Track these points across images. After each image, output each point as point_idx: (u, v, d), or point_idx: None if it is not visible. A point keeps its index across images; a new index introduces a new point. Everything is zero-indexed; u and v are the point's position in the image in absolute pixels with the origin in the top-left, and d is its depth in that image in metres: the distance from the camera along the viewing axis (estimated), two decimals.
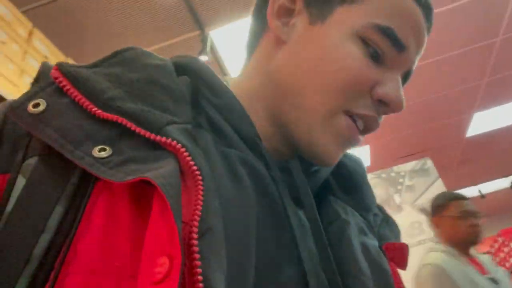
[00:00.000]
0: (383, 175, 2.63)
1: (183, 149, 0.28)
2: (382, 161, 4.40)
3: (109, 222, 0.27)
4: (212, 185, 0.28)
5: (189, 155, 0.28)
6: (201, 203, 0.25)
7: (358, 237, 0.39)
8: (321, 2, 0.38)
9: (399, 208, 2.49)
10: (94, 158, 0.27)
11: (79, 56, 2.17)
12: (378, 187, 2.59)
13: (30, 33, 1.61)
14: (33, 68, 1.58)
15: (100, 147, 0.28)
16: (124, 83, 0.32)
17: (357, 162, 0.47)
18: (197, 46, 2.50)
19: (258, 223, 0.31)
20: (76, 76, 0.31)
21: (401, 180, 2.58)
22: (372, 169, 4.53)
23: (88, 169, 0.27)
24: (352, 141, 0.38)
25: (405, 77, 0.40)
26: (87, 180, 0.28)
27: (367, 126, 0.38)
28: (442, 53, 2.66)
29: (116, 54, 0.35)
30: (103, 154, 0.28)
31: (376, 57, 0.36)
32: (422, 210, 2.45)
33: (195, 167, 0.27)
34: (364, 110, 0.37)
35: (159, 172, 0.26)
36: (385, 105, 0.37)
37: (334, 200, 0.41)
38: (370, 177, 2.63)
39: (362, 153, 4.18)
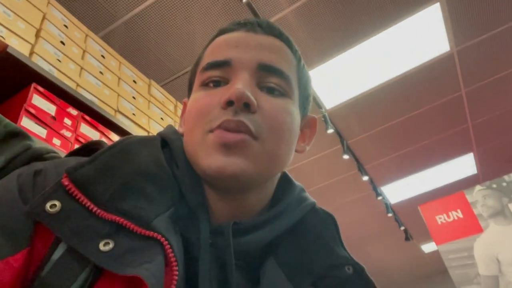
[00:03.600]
0: (494, 186, 2.62)
1: (166, 242, 0.36)
2: (490, 167, 4.19)
3: None
4: (181, 270, 0.36)
5: (170, 247, 0.36)
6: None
7: None
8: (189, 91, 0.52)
9: None
10: (102, 252, 0.34)
11: None
12: (491, 198, 2.59)
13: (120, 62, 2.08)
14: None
15: (105, 241, 0.35)
16: (119, 176, 0.40)
17: (325, 221, 0.50)
18: None
19: None
20: (83, 183, 0.38)
21: None
22: (480, 178, 4.32)
23: (98, 264, 0.34)
24: (227, 142, 0.42)
25: (265, 68, 0.46)
26: (97, 267, 0.35)
27: (231, 129, 0.42)
28: None
29: (115, 145, 0.43)
30: (107, 248, 0.34)
31: (216, 84, 0.46)
32: None
33: (174, 258, 0.36)
34: (219, 121, 0.43)
35: (151, 271, 0.33)
36: (233, 103, 0.43)
37: (272, 264, 0.45)
38: (480, 189, 2.63)
39: (466, 162, 4.05)
